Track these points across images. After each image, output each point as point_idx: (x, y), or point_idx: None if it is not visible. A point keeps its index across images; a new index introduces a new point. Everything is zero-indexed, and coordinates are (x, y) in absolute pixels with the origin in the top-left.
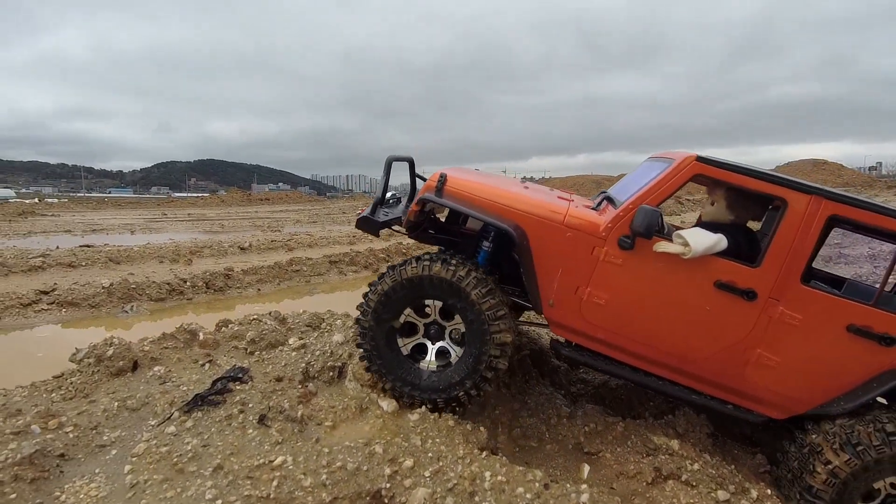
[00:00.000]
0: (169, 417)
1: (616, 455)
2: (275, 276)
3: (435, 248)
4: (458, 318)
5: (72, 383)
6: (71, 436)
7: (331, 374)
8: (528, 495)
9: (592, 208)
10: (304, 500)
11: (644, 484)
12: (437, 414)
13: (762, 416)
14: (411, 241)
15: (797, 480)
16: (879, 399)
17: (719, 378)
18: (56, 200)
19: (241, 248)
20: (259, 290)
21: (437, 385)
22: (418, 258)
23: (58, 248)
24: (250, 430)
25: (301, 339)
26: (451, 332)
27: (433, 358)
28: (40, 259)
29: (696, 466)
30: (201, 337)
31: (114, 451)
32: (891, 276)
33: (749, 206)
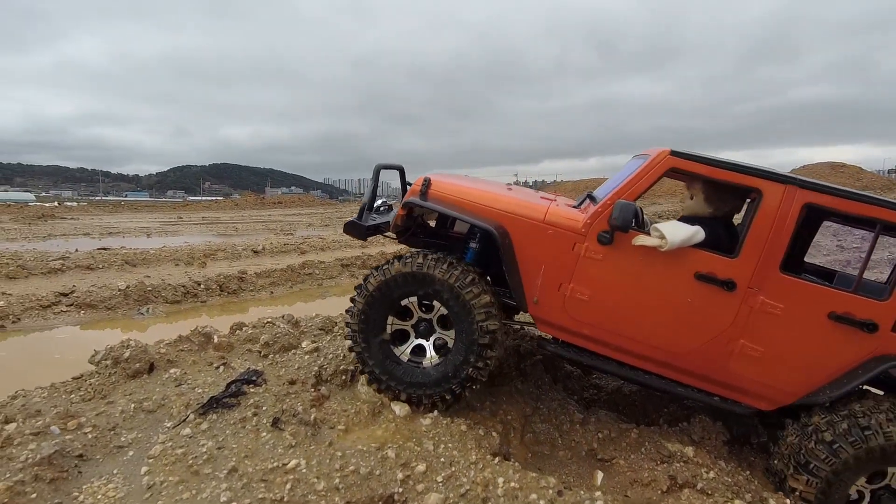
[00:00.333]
0: (184, 419)
1: (630, 462)
2: (287, 279)
3: None
4: (436, 304)
5: (90, 385)
6: (89, 437)
7: (343, 377)
8: (542, 502)
9: (574, 206)
10: None
11: (659, 492)
12: (449, 419)
13: (749, 407)
14: None
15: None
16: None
17: (704, 370)
18: (75, 204)
19: (255, 252)
20: (272, 292)
21: (446, 373)
22: (377, 268)
23: (77, 250)
24: (264, 433)
25: (314, 342)
26: (436, 319)
27: (433, 353)
28: (59, 262)
29: (711, 474)
30: (216, 340)
31: (131, 453)
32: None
33: (726, 199)
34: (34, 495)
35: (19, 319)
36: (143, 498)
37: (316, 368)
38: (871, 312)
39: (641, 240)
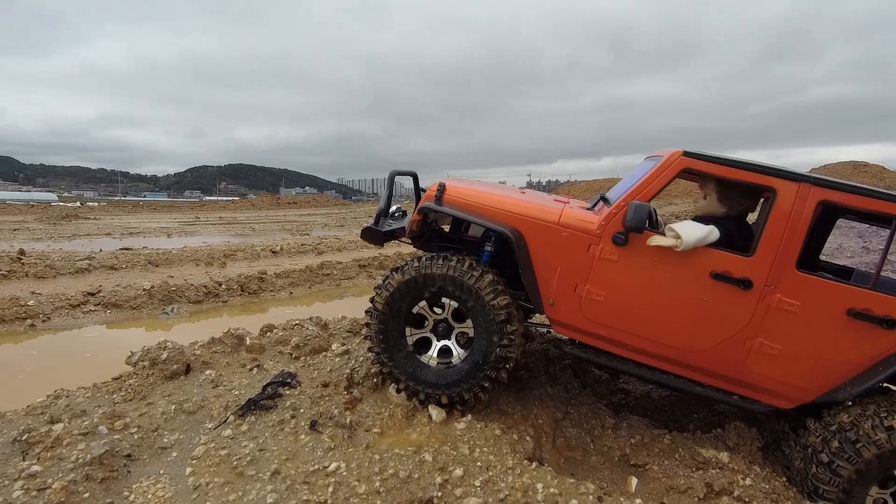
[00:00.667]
0: (225, 421)
1: (664, 468)
2: (306, 279)
3: None
4: (447, 302)
5: (130, 385)
6: (136, 437)
7: (374, 380)
8: None
9: (588, 208)
10: None
11: (696, 499)
12: (482, 423)
13: (768, 406)
14: None
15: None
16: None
17: (722, 369)
18: (96, 204)
19: (273, 252)
20: (291, 293)
21: (477, 361)
22: (380, 286)
23: (101, 250)
24: (303, 436)
25: (343, 344)
26: (450, 315)
27: (459, 350)
28: (85, 262)
29: (747, 481)
30: (248, 342)
31: (174, 453)
32: None
33: (740, 198)
34: (87, 495)
35: (49, 318)
36: (191, 498)
37: (347, 371)
38: (890, 309)
39: (656, 240)
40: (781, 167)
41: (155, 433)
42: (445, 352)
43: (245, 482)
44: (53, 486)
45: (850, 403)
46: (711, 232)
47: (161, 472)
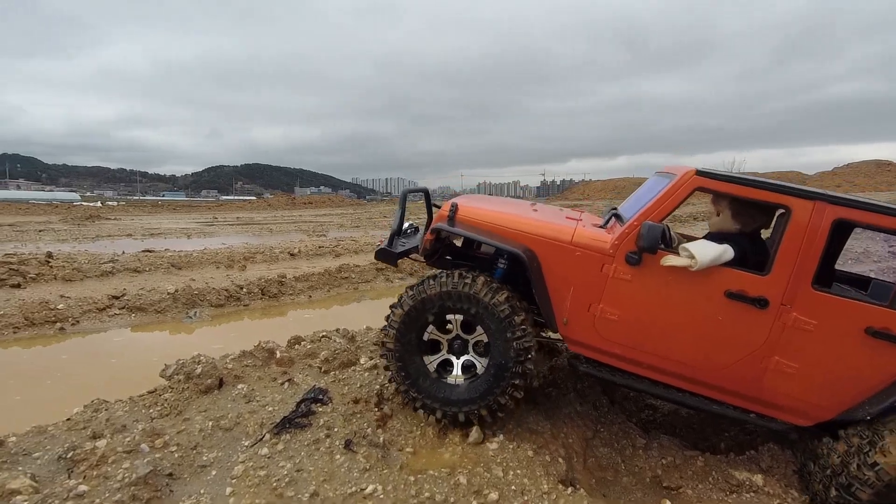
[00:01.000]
0: (261, 439)
1: (698, 492)
2: (325, 283)
3: None
4: (450, 317)
5: (166, 399)
6: (176, 455)
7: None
8: None
9: (601, 226)
10: None
11: None
12: (514, 444)
13: (786, 423)
14: None
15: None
16: None
17: (739, 387)
18: (115, 203)
19: (291, 254)
20: (310, 296)
21: (490, 374)
22: (388, 318)
23: (123, 252)
24: (338, 456)
25: (371, 358)
26: (458, 325)
27: (481, 360)
28: (110, 265)
29: None
30: (278, 355)
31: (214, 472)
32: None
33: (754, 215)
34: None
35: (78, 322)
36: None
37: (377, 387)
38: None
39: (670, 260)
40: (796, 185)
41: (194, 451)
42: (468, 367)
43: (285, 503)
44: None
45: (868, 419)
46: (726, 251)
47: (202, 491)
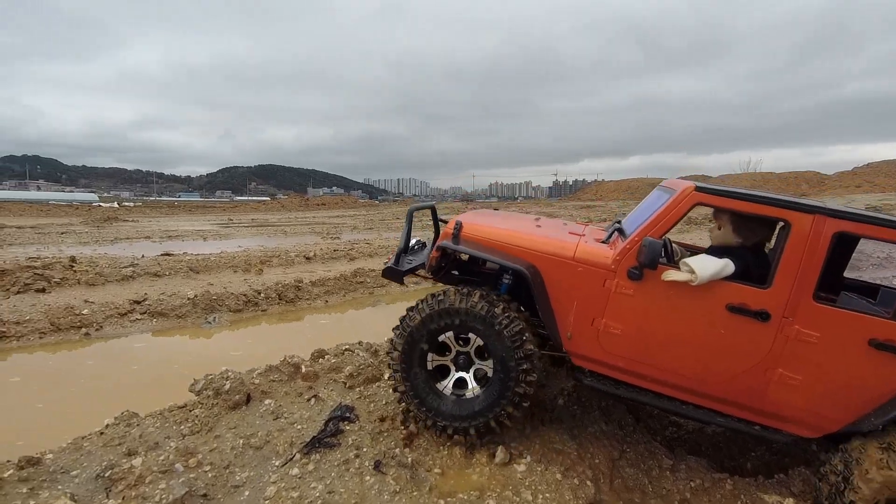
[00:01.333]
0: (291, 458)
1: None
2: (341, 287)
3: None
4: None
5: (196, 416)
6: (210, 475)
7: None
8: None
9: (603, 241)
10: None
11: None
12: (542, 466)
13: (791, 435)
14: None
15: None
16: None
17: (743, 399)
18: (132, 204)
19: (307, 258)
20: (326, 301)
21: (498, 378)
22: (392, 344)
23: (143, 256)
24: (368, 477)
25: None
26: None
27: (486, 363)
28: (130, 269)
29: None
30: (303, 370)
31: (247, 492)
32: None
33: (755, 229)
34: None
35: (102, 327)
36: None
37: (402, 404)
38: None
39: (671, 275)
40: (796, 199)
41: (227, 470)
42: (481, 378)
43: None
44: None
45: (874, 430)
46: (727, 266)
47: None
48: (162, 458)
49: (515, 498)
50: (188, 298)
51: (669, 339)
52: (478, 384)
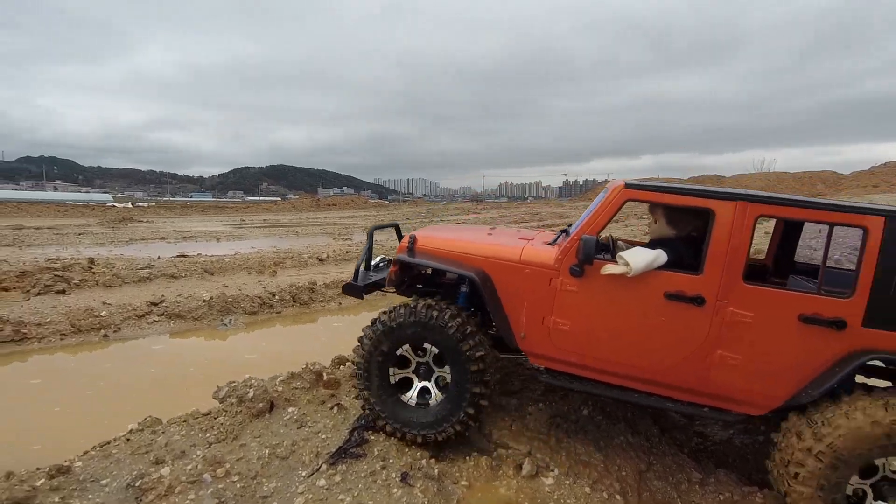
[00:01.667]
0: (317, 469)
1: None
2: None
3: None
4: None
5: (221, 424)
6: (238, 486)
7: None
8: None
9: (550, 243)
10: None
11: None
12: (570, 480)
13: (739, 414)
14: None
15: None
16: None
17: (689, 383)
18: (146, 204)
19: (320, 259)
20: (340, 303)
21: (456, 379)
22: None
23: (159, 258)
24: (395, 489)
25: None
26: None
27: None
28: (147, 271)
29: None
30: (325, 377)
31: (275, 503)
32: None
33: (686, 220)
34: None
35: (119, 329)
36: None
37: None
38: (838, 311)
39: (609, 269)
40: (718, 189)
41: (254, 481)
42: (443, 386)
43: None
44: None
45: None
46: (659, 256)
47: None
48: (189, 467)
49: None
50: (204, 300)
51: (614, 331)
52: (440, 391)
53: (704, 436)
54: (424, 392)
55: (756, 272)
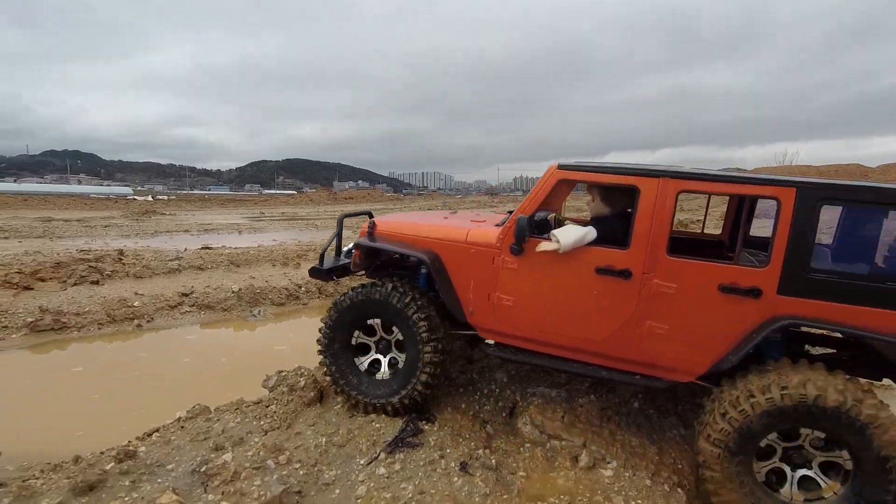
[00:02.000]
0: (376, 458)
1: None
2: None
3: None
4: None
5: (273, 412)
6: (301, 473)
7: (503, 414)
8: None
9: (499, 224)
10: None
11: None
12: (630, 472)
13: (669, 381)
14: None
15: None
16: None
17: (622, 353)
18: (166, 198)
19: None
20: None
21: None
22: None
23: (186, 249)
24: (455, 478)
25: (463, 372)
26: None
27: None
28: (175, 262)
29: None
30: None
31: (337, 491)
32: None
33: (617, 197)
34: None
35: (153, 319)
36: None
37: (475, 406)
38: (754, 280)
39: (542, 246)
40: (643, 166)
41: (315, 468)
42: (392, 366)
43: None
44: None
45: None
46: (588, 232)
47: None
48: (251, 453)
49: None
50: (233, 292)
51: (551, 305)
52: (389, 370)
53: None
54: (375, 364)
55: (713, 247)
